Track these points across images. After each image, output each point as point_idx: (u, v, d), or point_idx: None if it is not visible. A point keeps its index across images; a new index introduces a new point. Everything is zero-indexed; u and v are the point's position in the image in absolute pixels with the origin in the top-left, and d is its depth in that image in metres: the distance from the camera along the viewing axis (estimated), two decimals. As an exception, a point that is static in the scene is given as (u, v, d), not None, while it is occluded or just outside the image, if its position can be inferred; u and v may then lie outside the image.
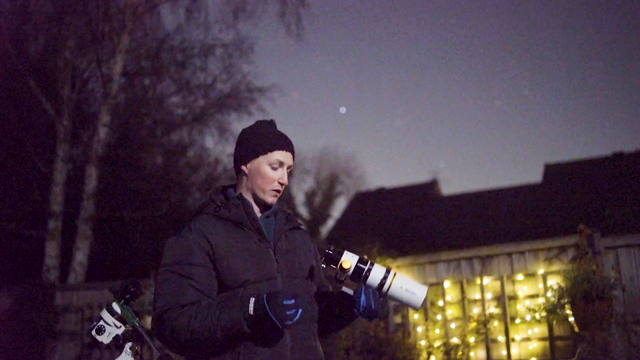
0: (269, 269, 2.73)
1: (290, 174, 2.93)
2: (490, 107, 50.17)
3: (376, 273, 2.65)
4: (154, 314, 2.66)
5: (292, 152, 2.90)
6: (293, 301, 2.47)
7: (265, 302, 2.47)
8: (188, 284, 2.64)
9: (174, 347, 2.64)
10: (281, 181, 2.84)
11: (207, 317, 2.53)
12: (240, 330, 2.52)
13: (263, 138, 2.84)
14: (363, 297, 2.62)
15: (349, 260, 2.65)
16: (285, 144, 2.86)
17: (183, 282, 2.64)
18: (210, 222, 2.77)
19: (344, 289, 2.75)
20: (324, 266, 2.72)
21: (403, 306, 2.26)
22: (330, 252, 2.68)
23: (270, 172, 2.82)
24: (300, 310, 2.49)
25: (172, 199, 18.25)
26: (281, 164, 2.84)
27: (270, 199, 2.86)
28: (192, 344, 2.57)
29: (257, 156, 2.82)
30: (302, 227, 3.05)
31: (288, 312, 2.45)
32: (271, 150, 2.81)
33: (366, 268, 2.65)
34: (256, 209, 2.88)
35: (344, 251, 2.69)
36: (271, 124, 2.94)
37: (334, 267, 2.69)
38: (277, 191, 2.86)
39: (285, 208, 3.01)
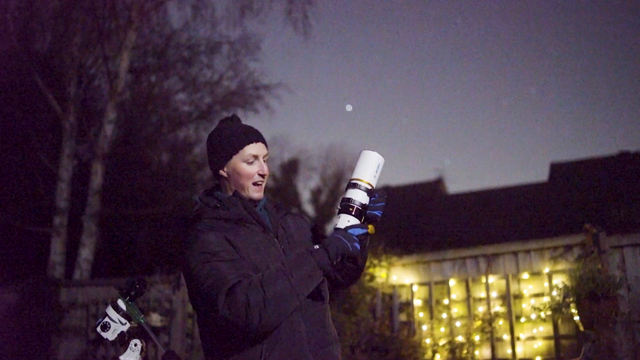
0: (279, 259, 2.71)
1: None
2: (496, 106, 50.18)
3: (361, 198, 2.65)
4: (211, 305, 2.50)
5: (263, 142, 2.86)
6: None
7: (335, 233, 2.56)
8: (224, 264, 2.54)
9: (248, 324, 2.44)
10: (260, 172, 2.80)
11: (281, 275, 2.47)
12: (319, 275, 2.53)
13: (230, 137, 2.81)
14: (375, 212, 2.68)
15: (352, 221, 2.64)
16: (253, 136, 2.82)
17: (217, 264, 2.55)
18: (213, 223, 2.73)
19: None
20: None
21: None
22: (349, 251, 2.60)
23: (247, 168, 2.79)
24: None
25: (177, 196, 18.28)
26: (255, 157, 2.80)
27: (256, 194, 2.82)
28: (271, 312, 2.43)
29: (231, 157, 2.80)
30: (292, 210, 3.05)
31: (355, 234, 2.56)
32: (242, 147, 2.78)
33: (359, 207, 2.65)
34: None
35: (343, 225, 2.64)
36: (234, 119, 2.92)
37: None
38: (259, 184, 2.83)
39: (270, 196, 2.99)
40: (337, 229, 2.60)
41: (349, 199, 2.65)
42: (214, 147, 2.85)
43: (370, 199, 2.67)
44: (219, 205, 2.79)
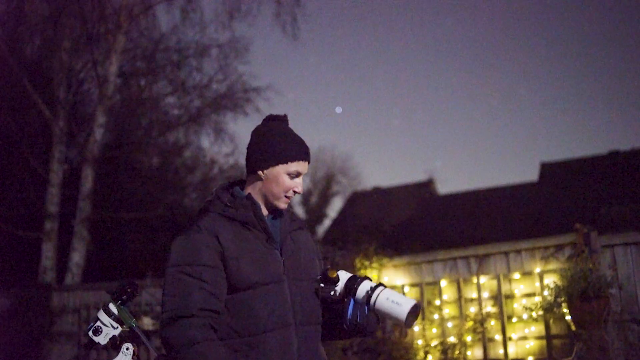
0: (277, 271, 2.72)
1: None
2: (486, 106, 50.25)
3: (364, 286, 2.68)
4: (164, 317, 2.61)
5: (309, 161, 2.87)
6: None
7: None
8: (198, 286, 2.60)
9: (178, 354, 2.55)
10: (296, 190, 2.82)
11: None
12: None
13: (282, 145, 2.79)
14: (350, 310, 2.66)
15: (335, 272, 2.71)
16: (304, 154, 2.82)
17: (193, 283, 2.60)
18: (218, 221, 2.73)
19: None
20: (322, 285, 2.76)
21: (392, 323, 2.30)
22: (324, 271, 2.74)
23: (287, 181, 2.79)
24: None
25: (168, 199, 18.24)
26: (299, 174, 2.81)
27: (283, 205, 2.84)
28: None
29: (277, 165, 2.77)
30: (305, 226, 3.05)
31: None
32: (291, 161, 2.77)
33: (355, 282, 2.70)
34: (264, 210, 2.86)
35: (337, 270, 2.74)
36: (284, 120, 2.91)
37: (326, 284, 2.75)
38: (290, 197, 2.84)
39: (288, 207, 2.99)
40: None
41: (362, 278, 2.75)
42: (262, 144, 2.82)
43: (366, 303, 2.68)
44: (228, 205, 2.79)
